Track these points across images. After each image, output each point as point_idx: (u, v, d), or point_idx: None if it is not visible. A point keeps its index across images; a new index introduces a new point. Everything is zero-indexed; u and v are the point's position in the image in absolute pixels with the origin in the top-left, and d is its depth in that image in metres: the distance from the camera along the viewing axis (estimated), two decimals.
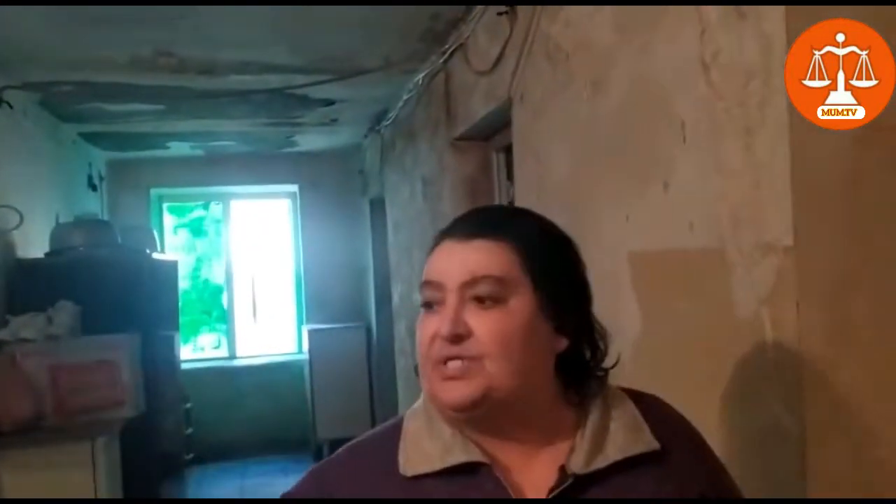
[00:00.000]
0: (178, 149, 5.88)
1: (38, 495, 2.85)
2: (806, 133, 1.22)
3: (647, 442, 0.90)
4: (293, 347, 6.86)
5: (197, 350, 7.01)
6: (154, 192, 6.49)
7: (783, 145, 1.22)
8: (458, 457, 0.88)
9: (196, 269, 7.18)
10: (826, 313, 1.20)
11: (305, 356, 6.25)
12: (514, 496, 0.86)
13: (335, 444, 5.52)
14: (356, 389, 6.15)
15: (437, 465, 0.89)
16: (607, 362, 0.97)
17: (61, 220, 4.23)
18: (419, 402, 0.97)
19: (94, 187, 5.46)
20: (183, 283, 6.57)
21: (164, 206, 6.76)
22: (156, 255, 4.28)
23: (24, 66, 3.46)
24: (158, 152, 5.93)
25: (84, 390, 3.20)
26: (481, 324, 0.86)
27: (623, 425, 0.91)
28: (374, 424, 6.17)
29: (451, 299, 0.88)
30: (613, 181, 1.87)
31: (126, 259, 3.86)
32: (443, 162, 3.57)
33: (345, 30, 3.15)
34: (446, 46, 3.24)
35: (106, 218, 5.34)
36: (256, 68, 3.60)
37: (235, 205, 6.84)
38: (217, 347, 6.97)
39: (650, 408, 0.95)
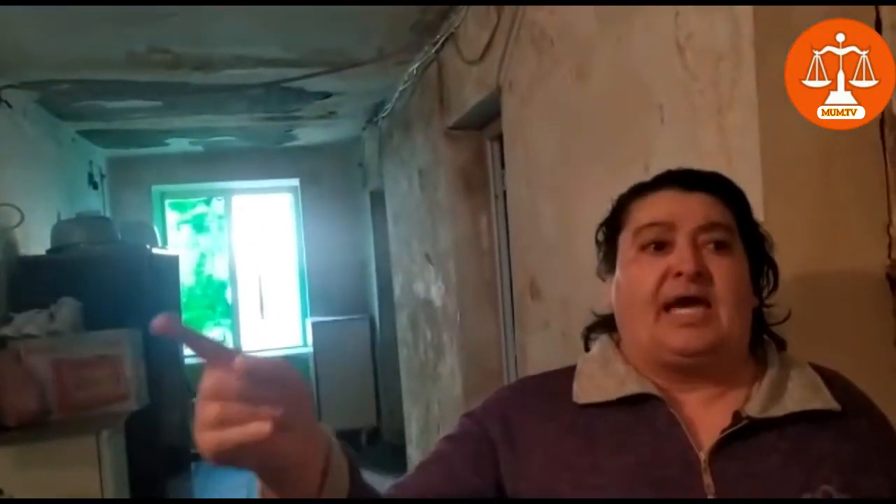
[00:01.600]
0: (177, 145, 5.91)
1: (45, 490, 2.88)
2: (777, 113, 1.25)
3: (825, 400, 0.88)
4: (298, 340, 6.90)
5: None
6: (155, 188, 6.53)
7: (753, 125, 1.24)
8: (633, 388, 0.89)
9: (199, 265, 7.22)
10: (796, 288, 1.22)
11: (310, 349, 6.30)
12: (686, 431, 0.86)
13: (341, 435, 5.58)
14: (361, 380, 6.19)
15: (612, 395, 0.90)
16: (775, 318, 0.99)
17: (62, 218, 4.27)
18: (593, 350, 0.99)
19: (94, 185, 5.50)
20: (187, 279, 6.62)
21: (166, 202, 6.80)
22: (157, 251, 4.31)
23: (21, 66, 3.49)
24: (158, 149, 5.96)
25: (87, 385, 3.24)
26: (719, 269, 0.86)
27: (801, 384, 0.89)
28: (379, 415, 6.28)
29: (685, 240, 0.87)
30: (598, 165, 1.90)
31: (126, 255, 3.89)
32: (438, 152, 3.58)
33: (335, 23, 3.16)
34: (438, 36, 3.25)
35: (108, 216, 5.38)
36: (250, 63, 3.62)
37: (237, 200, 6.87)
38: (222, 342, 6.98)
39: (833, 379, 0.93)
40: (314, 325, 6.23)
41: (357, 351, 6.21)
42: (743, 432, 0.85)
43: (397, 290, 5.00)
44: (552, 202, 2.23)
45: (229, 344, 5.85)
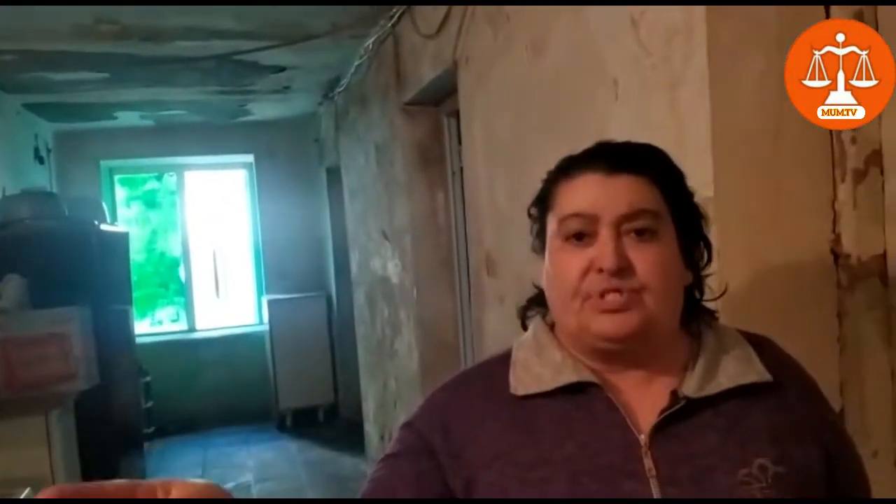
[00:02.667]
0: (126, 119, 5.76)
1: None
2: (727, 88, 1.26)
3: (759, 372, 0.89)
4: (253, 319, 6.84)
5: (155, 324, 6.95)
6: (104, 163, 6.36)
7: (704, 100, 1.25)
8: (569, 377, 0.89)
9: (151, 242, 7.09)
10: (745, 261, 1.25)
11: (266, 327, 6.25)
12: (625, 415, 0.87)
13: (298, 413, 5.54)
14: (318, 358, 6.18)
15: (549, 385, 0.90)
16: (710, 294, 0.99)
17: (7, 194, 4.14)
18: (527, 335, 0.98)
19: (41, 160, 5.34)
20: (137, 256, 6.50)
21: (116, 178, 6.64)
22: (105, 227, 4.21)
23: None
24: (106, 123, 5.81)
25: (35, 364, 3.16)
26: (642, 257, 0.86)
27: (735, 357, 0.90)
28: (336, 392, 6.28)
29: (607, 232, 0.86)
30: (551, 141, 1.90)
31: (74, 231, 3.80)
32: (394, 128, 3.56)
33: None
34: (394, 10, 3.21)
35: (55, 191, 5.24)
36: (202, 34, 3.54)
37: (190, 176, 6.74)
38: (175, 321, 6.91)
39: (763, 347, 0.93)
40: (270, 302, 6.18)
41: (314, 328, 6.18)
42: (681, 412, 0.86)
43: (354, 268, 4.98)
44: (508, 178, 2.24)
45: (183, 323, 5.76)
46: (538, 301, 0.99)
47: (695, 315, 0.95)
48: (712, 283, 1.26)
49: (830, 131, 1.28)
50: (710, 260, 0.96)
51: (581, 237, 0.88)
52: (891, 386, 1.29)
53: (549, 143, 1.92)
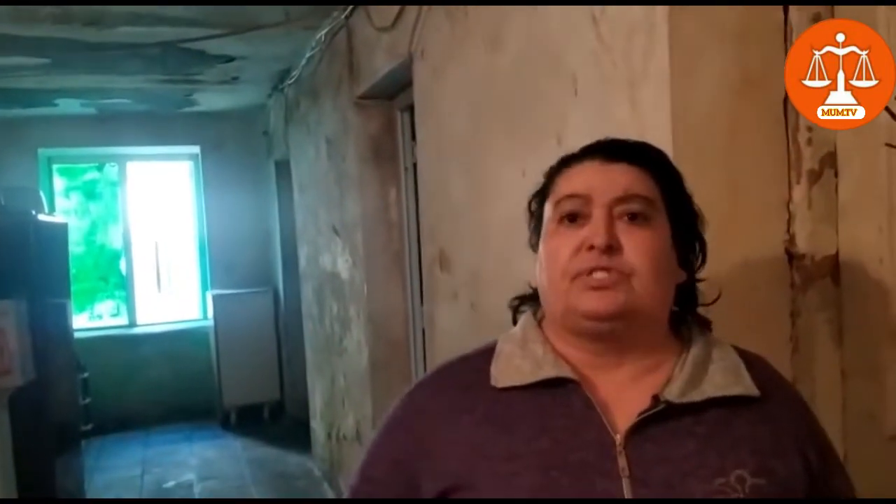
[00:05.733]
0: (67, 106, 5.56)
1: None
2: (687, 87, 1.26)
3: (745, 385, 0.88)
4: (197, 314, 6.69)
5: (94, 318, 6.74)
6: (42, 152, 6.13)
7: (664, 98, 1.25)
8: (549, 372, 0.89)
9: (91, 234, 6.87)
10: None
11: (210, 322, 6.12)
12: (601, 414, 0.86)
13: (242, 410, 5.43)
14: (264, 354, 6.08)
15: (528, 379, 0.90)
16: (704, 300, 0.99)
17: None
18: (515, 329, 0.98)
19: None
20: (76, 249, 6.29)
21: (54, 167, 6.41)
22: (43, 218, 4.05)
23: None
24: (46, 110, 5.59)
25: None
26: (632, 240, 0.86)
27: (723, 367, 0.90)
28: (282, 389, 6.19)
29: (600, 213, 0.87)
30: (509, 137, 1.89)
31: (10, 221, 3.63)
32: (346, 121, 3.51)
33: None
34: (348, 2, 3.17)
35: None
36: (148, 20, 3.43)
37: (132, 167, 6.54)
38: (116, 315, 6.72)
39: (754, 362, 0.93)
40: (215, 297, 6.05)
41: (260, 324, 6.08)
42: (660, 415, 0.86)
43: (303, 262, 4.90)
44: (463, 174, 2.22)
45: (124, 318, 5.59)
46: (531, 297, 1.00)
47: (687, 319, 0.95)
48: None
49: (787, 132, 1.30)
50: (703, 262, 0.97)
51: (574, 218, 0.89)
52: (840, 384, 1.31)
53: (507, 139, 1.91)
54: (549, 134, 1.64)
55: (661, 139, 1.26)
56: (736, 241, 1.29)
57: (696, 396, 0.87)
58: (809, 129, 1.28)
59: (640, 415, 0.85)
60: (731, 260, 1.29)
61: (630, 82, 1.34)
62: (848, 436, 1.29)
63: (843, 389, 1.31)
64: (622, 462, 0.84)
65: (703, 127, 1.27)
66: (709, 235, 1.26)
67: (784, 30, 1.29)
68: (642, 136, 1.30)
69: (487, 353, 0.96)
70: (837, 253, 1.30)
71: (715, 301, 1.00)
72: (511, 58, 1.86)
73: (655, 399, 0.86)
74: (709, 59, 1.26)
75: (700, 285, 0.98)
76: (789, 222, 1.31)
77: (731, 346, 0.94)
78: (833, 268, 1.31)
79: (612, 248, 0.86)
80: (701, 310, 0.99)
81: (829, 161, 1.29)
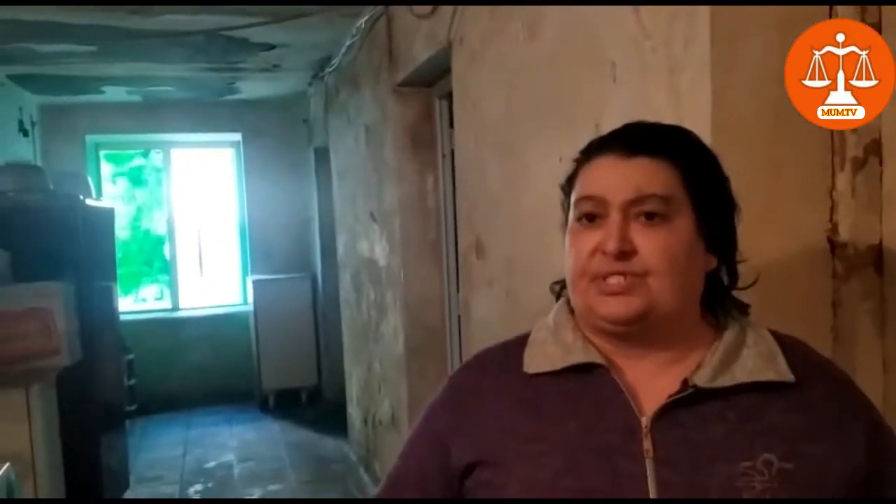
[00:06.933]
0: (113, 94, 5.68)
1: None
2: (728, 73, 1.25)
3: (779, 371, 0.87)
4: (238, 298, 6.80)
5: (139, 301, 6.89)
6: (90, 139, 6.28)
7: (705, 85, 1.24)
8: (578, 357, 0.91)
9: (136, 220, 7.01)
10: (741, 248, 1.23)
11: (250, 307, 6.21)
12: (629, 398, 0.87)
13: (281, 394, 5.51)
14: (302, 340, 6.16)
15: (558, 365, 0.92)
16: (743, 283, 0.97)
17: None
18: (548, 316, 0.99)
19: (25, 132, 5.26)
20: (122, 234, 6.43)
21: (101, 153, 6.55)
22: (91, 202, 4.15)
23: None
24: (93, 97, 5.72)
25: (17, 338, 3.12)
26: (647, 241, 0.86)
27: (757, 352, 0.89)
28: (320, 375, 6.26)
29: (615, 215, 0.87)
30: (547, 124, 1.88)
31: (59, 205, 3.74)
32: (385, 109, 3.53)
33: None
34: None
35: (39, 164, 5.16)
36: (190, 8, 3.48)
37: (176, 153, 6.66)
38: (159, 299, 6.86)
39: (792, 347, 0.91)
40: (255, 283, 6.14)
41: (298, 310, 6.15)
42: (690, 400, 0.86)
43: (341, 249, 4.95)
44: (500, 162, 2.22)
45: (167, 302, 5.70)
46: None
47: (721, 304, 0.94)
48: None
49: None
50: (735, 247, 0.95)
51: (592, 218, 0.90)
52: (882, 376, 1.29)
53: (544, 126, 1.91)
54: (588, 121, 1.63)
55: (699, 126, 1.25)
56: (778, 229, 1.27)
57: (726, 381, 0.86)
58: None
59: (669, 398, 0.86)
60: (772, 248, 1.27)
61: (670, 69, 1.33)
62: None
63: (884, 381, 1.29)
64: (647, 444, 0.85)
65: (744, 114, 1.25)
66: (749, 222, 1.25)
67: (829, 17, 1.27)
68: (681, 123, 1.30)
69: (524, 340, 0.98)
70: (881, 242, 1.28)
71: (752, 285, 0.98)
72: (549, 45, 1.85)
73: (684, 383, 0.86)
74: (750, 46, 1.24)
75: (739, 268, 0.96)
76: (832, 210, 1.29)
77: (767, 330, 0.93)
78: (876, 257, 1.28)
79: (624, 254, 0.86)
80: (742, 295, 0.97)
81: (874, 149, 1.26)
